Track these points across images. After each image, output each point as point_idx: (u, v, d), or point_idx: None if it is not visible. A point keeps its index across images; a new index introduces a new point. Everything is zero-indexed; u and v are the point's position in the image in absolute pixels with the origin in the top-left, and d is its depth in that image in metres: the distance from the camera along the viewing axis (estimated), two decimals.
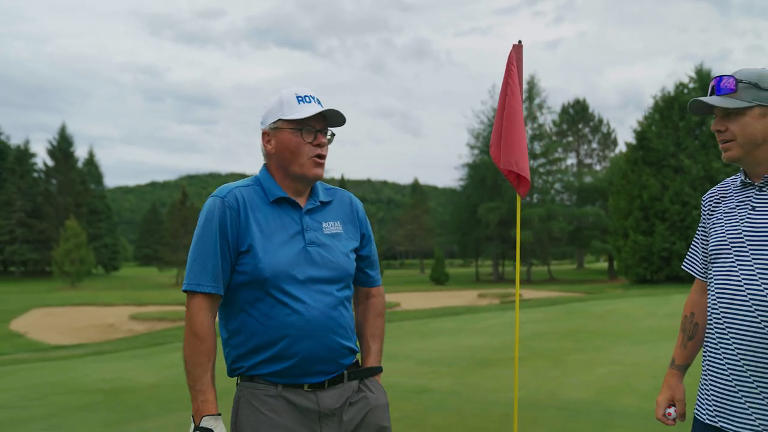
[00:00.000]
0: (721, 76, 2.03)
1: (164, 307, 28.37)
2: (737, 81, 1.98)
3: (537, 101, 56.63)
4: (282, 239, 2.07)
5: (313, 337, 2.03)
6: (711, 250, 2.13)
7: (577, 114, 65.63)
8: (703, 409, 2.09)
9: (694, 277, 2.32)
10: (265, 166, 2.20)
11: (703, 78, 39.02)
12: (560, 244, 57.77)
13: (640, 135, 38.64)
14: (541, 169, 56.12)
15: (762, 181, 2.01)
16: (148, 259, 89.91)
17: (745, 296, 1.95)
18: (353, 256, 2.22)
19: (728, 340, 1.99)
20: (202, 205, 2.14)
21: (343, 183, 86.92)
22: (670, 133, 37.39)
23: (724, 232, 2.07)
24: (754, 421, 1.92)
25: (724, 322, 2.01)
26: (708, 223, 2.20)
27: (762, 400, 1.91)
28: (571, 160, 64.43)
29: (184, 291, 2.03)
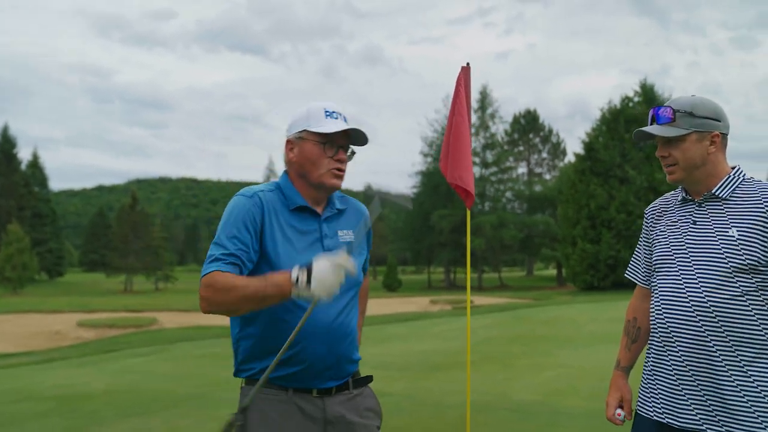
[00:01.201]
0: (658, 107, 2.22)
1: (113, 313, 27.75)
2: (674, 110, 2.16)
3: (489, 111, 57.58)
4: (302, 245, 2.13)
5: (324, 343, 2.09)
6: (655, 260, 2.28)
7: (528, 124, 66.97)
8: (650, 407, 2.23)
9: (636, 284, 2.47)
10: (286, 173, 2.26)
11: (647, 92, 40.48)
12: (511, 252, 58.76)
13: (588, 146, 39.79)
14: (493, 178, 57.05)
15: (701, 198, 2.20)
16: (94, 265, 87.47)
17: (688, 302, 2.12)
18: (361, 266, 2.27)
19: (673, 343, 2.15)
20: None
21: None
22: (617, 145, 38.62)
23: (668, 244, 2.24)
24: (695, 415, 2.09)
25: (669, 326, 2.16)
26: (651, 234, 2.35)
27: (702, 396, 2.09)
28: (522, 170, 65.66)
29: (205, 274, 1.97)
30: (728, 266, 2.08)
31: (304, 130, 2.17)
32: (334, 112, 2.20)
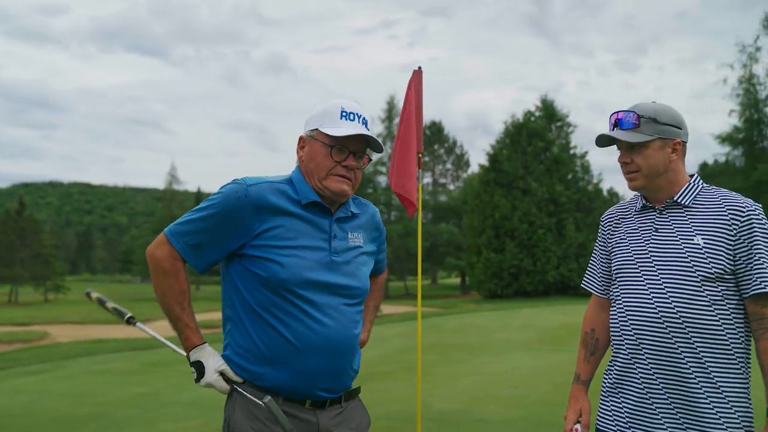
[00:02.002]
0: (621, 112, 2.16)
1: None
2: (639, 116, 2.12)
3: (395, 121, 58.28)
4: (307, 243, 2.02)
5: (325, 355, 1.99)
6: (616, 268, 2.24)
7: (433, 135, 68.24)
8: (611, 421, 2.19)
9: (592, 293, 2.41)
10: (299, 168, 2.16)
11: (547, 107, 42.30)
12: (413, 261, 59.59)
13: (493, 158, 40.99)
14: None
15: (663, 206, 2.17)
16: None
17: (655, 311, 2.07)
18: (368, 274, 2.20)
19: (641, 354, 2.09)
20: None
21: (199, 196, 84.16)
22: (519, 157, 40.01)
23: (630, 252, 2.19)
24: (666, 429, 2.05)
25: (637, 337, 2.10)
26: (609, 243, 2.32)
27: (672, 409, 2.04)
28: (427, 180, 66.81)
29: (165, 234, 2.02)
30: (696, 275, 2.04)
31: (316, 129, 2.07)
32: (351, 112, 2.08)
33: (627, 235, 2.25)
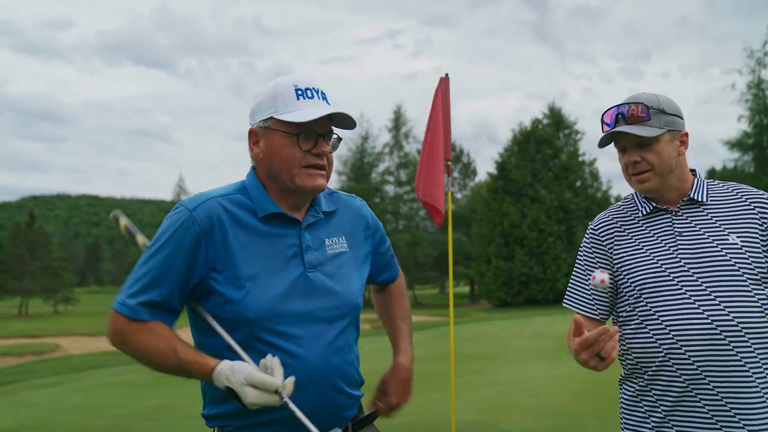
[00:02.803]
0: (626, 104, 1.91)
1: (6, 340, 25.77)
2: (648, 108, 1.88)
3: (403, 130, 58.37)
4: (274, 266, 1.66)
5: (312, 389, 1.66)
6: (639, 284, 1.92)
7: None
8: None
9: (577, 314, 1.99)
10: (254, 170, 1.78)
11: (555, 115, 42.23)
12: (425, 270, 59.48)
13: (501, 166, 40.94)
14: (407, 197, 57.72)
15: (677, 207, 1.94)
16: None
17: (710, 322, 1.81)
18: (362, 284, 1.85)
19: (702, 380, 1.81)
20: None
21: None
22: (528, 165, 39.94)
23: (656, 261, 1.91)
24: None
25: (693, 361, 1.81)
26: (614, 256, 2.00)
27: (743, 428, 1.79)
28: (453, 188, 66.86)
29: (114, 310, 1.62)
30: (741, 274, 1.83)
31: (271, 118, 1.68)
32: (308, 89, 1.70)
33: (641, 242, 1.96)
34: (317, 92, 1.71)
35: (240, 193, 1.72)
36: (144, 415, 7.51)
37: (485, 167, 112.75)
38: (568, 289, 2.14)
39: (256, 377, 1.52)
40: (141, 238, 1.95)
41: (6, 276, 55.05)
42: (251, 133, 1.73)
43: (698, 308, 1.83)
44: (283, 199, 1.72)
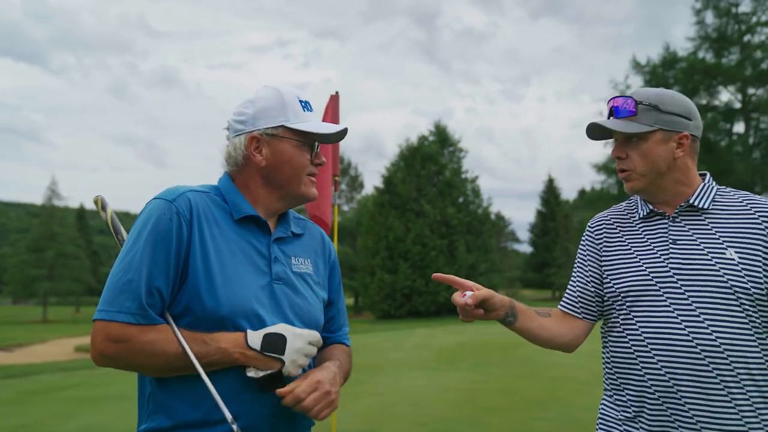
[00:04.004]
0: (619, 97, 1.85)
1: None
2: (637, 103, 1.80)
3: None
4: (244, 268, 1.62)
5: (269, 405, 1.59)
6: (625, 287, 1.83)
7: None
8: None
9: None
10: (228, 175, 1.76)
11: (440, 132, 43.65)
12: None
13: (387, 180, 41.69)
14: (297, 208, 57.34)
15: (675, 212, 1.83)
16: None
17: (690, 339, 1.70)
18: (322, 307, 1.81)
19: (676, 395, 1.70)
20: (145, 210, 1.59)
21: (81, 213, 79.51)
22: (413, 180, 40.93)
23: (642, 267, 1.80)
24: None
25: (669, 377, 1.71)
26: (604, 255, 1.92)
27: None
28: (339, 200, 66.80)
29: (98, 320, 1.51)
30: (733, 294, 1.69)
31: (282, 126, 1.70)
32: (307, 101, 1.76)
33: (633, 246, 1.86)
34: (310, 105, 1.78)
35: (214, 193, 1.71)
36: None
37: (372, 180, 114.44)
38: (565, 292, 2.06)
39: (304, 330, 1.61)
40: (125, 235, 1.77)
41: None
42: (252, 138, 1.70)
43: (680, 324, 1.72)
44: (264, 206, 1.73)
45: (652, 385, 1.75)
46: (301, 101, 1.74)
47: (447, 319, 33.59)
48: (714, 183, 1.88)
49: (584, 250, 1.99)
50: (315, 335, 1.62)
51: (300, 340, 1.57)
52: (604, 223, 1.97)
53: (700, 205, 1.82)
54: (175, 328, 1.54)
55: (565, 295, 2.04)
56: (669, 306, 1.75)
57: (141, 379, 1.65)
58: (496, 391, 8.99)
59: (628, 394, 1.81)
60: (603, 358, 1.94)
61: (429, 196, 40.47)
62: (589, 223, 2.02)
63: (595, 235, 1.97)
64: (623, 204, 2.00)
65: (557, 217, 58.50)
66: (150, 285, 1.52)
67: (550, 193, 60.77)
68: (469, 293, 1.83)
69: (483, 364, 11.97)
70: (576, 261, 2.04)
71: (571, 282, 2.03)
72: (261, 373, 1.53)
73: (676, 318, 1.73)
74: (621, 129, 1.80)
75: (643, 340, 1.77)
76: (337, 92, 4.05)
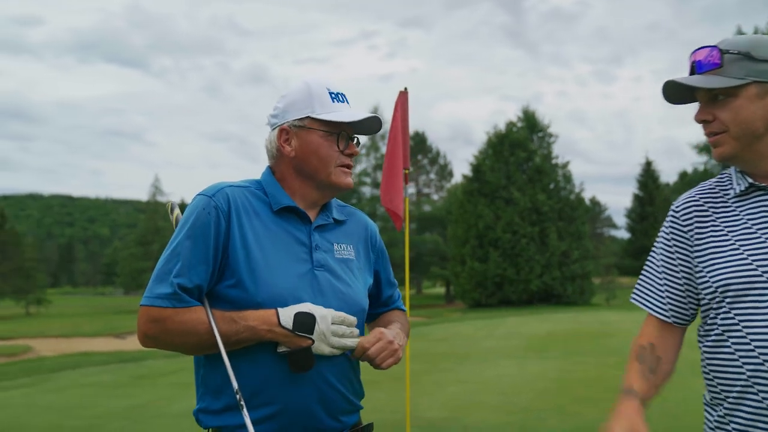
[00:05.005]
0: (702, 48, 1.55)
1: None
2: (722, 52, 1.48)
3: (380, 132, 58.62)
4: (283, 257, 1.68)
5: (309, 386, 1.64)
6: (723, 284, 1.50)
7: (417, 146, 68.62)
8: None
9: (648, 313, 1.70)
10: (270, 169, 1.82)
11: (529, 118, 42.80)
12: (401, 270, 59.68)
13: (476, 168, 41.35)
14: None
15: None
16: None
17: None
18: (366, 292, 1.84)
19: None
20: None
21: (182, 207, 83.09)
22: (502, 167, 40.39)
23: (746, 258, 1.47)
24: None
25: None
26: (695, 245, 1.60)
27: None
28: (411, 190, 67.05)
29: (141, 305, 1.62)
30: None
31: (308, 117, 1.73)
32: (339, 93, 1.78)
33: (729, 230, 1.54)
34: (345, 97, 1.80)
35: (255, 187, 1.77)
36: (118, 414, 7.61)
37: (461, 169, 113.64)
38: (637, 281, 1.74)
39: (330, 311, 1.65)
40: None
41: None
42: (282, 131, 1.76)
43: None
44: (302, 196, 1.77)
45: (764, 397, 1.43)
46: (331, 93, 1.76)
47: (539, 308, 33.06)
48: None
49: (668, 239, 1.65)
50: (341, 315, 1.67)
51: (326, 321, 1.62)
52: (692, 205, 1.62)
53: None
54: (208, 309, 1.63)
55: (646, 294, 1.70)
56: None
57: (196, 361, 1.75)
58: (586, 380, 8.84)
59: (734, 423, 1.50)
60: (702, 369, 1.61)
61: (518, 183, 39.82)
62: (673, 206, 1.67)
63: (683, 219, 1.62)
64: (712, 180, 1.65)
65: (656, 201, 56.13)
66: (186, 273, 1.61)
67: (648, 176, 58.29)
68: None
69: (573, 353, 11.76)
70: (655, 254, 1.70)
71: (648, 279, 1.71)
72: (290, 350, 1.61)
73: None
74: (703, 84, 1.49)
75: (751, 347, 1.45)
76: (405, 88, 4.14)
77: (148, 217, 63.18)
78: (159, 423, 7.03)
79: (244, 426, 1.55)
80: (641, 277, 1.73)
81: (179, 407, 7.81)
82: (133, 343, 23.88)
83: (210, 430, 1.69)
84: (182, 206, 1.84)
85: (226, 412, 1.65)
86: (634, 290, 1.73)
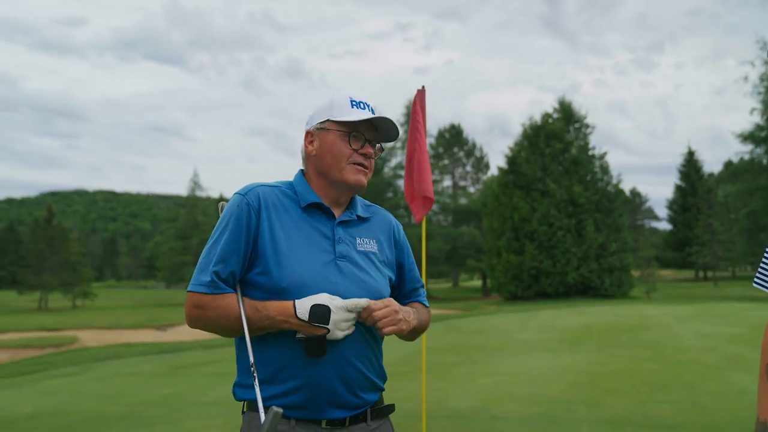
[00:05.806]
0: None
1: (27, 333, 26.35)
2: None
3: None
4: (307, 248, 1.86)
5: (329, 364, 1.80)
6: None
7: (452, 138, 68.34)
8: None
9: None
10: (302, 171, 2.02)
11: (565, 109, 42.25)
12: (437, 264, 59.64)
13: (511, 160, 41.04)
14: None
15: None
16: (3, 282, 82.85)
17: None
18: (386, 282, 1.99)
19: None
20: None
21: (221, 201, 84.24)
22: (538, 159, 40.02)
23: None
24: None
25: None
26: None
27: None
28: (447, 182, 66.84)
29: (188, 291, 1.83)
30: None
31: (327, 120, 1.93)
32: (361, 102, 1.96)
33: None
34: (368, 106, 1.97)
35: (286, 187, 1.97)
36: (157, 402, 7.88)
37: (498, 161, 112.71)
38: (760, 267, 1.55)
39: (348, 300, 1.79)
40: None
41: (26, 271, 55.97)
42: (307, 134, 1.97)
43: None
44: (326, 194, 1.95)
45: None
46: (353, 101, 1.95)
47: (575, 301, 32.73)
48: None
49: None
50: (354, 302, 1.79)
51: (341, 311, 1.77)
52: None
53: None
54: (239, 297, 1.82)
55: None
56: None
57: (236, 343, 1.94)
58: (618, 373, 8.80)
59: None
60: None
61: (554, 174, 39.41)
62: None
63: None
64: None
65: (699, 191, 54.85)
66: (222, 262, 1.81)
67: (691, 166, 57.00)
68: None
69: (607, 346, 11.69)
70: None
71: None
72: (306, 336, 1.78)
73: None
74: None
75: None
76: (423, 87, 4.24)
77: (187, 212, 64.35)
78: (194, 411, 7.27)
79: (270, 398, 1.78)
80: (764, 263, 1.51)
81: (213, 395, 8.06)
82: (172, 335, 24.48)
83: (244, 402, 1.90)
84: (221, 200, 2.07)
85: (260, 385, 1.83)
86: (757, 275, 1.53)
